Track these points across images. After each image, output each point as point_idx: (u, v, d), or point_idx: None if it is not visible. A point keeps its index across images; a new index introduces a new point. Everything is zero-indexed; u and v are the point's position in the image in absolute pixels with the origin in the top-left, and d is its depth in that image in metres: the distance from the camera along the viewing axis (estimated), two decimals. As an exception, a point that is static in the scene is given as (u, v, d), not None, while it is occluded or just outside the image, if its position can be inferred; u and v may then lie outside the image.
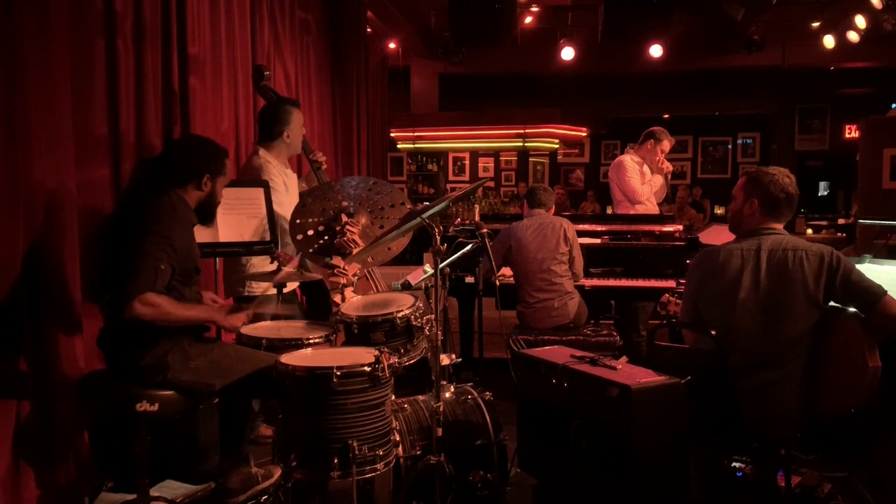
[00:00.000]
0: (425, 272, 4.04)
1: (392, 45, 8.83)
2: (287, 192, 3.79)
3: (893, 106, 8.11)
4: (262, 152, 3.79)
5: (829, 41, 8.52)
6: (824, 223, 10.89)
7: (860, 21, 7.94)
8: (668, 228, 5.09)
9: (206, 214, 2.93)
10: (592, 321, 4.73)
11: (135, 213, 2.68)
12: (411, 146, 10.78)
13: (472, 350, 4.80)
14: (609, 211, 7.07)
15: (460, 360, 3.45)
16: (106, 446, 3.02)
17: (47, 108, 2.76)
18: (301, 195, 3.76)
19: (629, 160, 5.45)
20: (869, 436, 2.93)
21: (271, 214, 3.55)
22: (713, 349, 2.62)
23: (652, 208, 5.52)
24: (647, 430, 2.41)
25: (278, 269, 3.16)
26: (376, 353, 2.54)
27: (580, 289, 4.62)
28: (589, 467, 2.55)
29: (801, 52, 9.47)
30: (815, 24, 8.62)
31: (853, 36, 8.18)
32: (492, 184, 13.32)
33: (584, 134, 11.51)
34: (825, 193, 14.09)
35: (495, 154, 13.95)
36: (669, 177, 5.62)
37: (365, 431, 2.45)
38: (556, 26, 8.98)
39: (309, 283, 3.66)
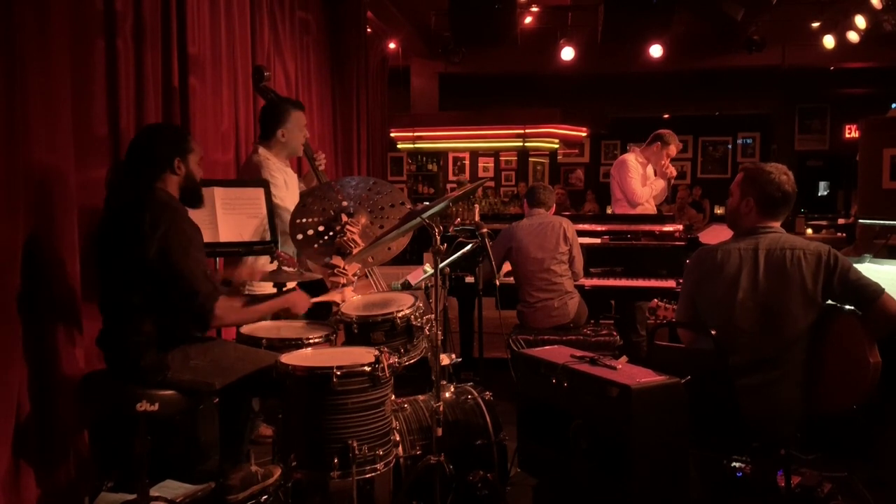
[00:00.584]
0: (425, 272, 4.04)
1: (392, 45, 8.83)
2: (287, 188, 3.79)
3: (893, 106, 8.09)
4: (261, 150, 3.79)
5: (829, 41, 8.52)
6: (824, 223, 10.88)
7: (860, 21, 7.94)
8: (668, 228, 5.09)
9: (191, 197, 2.87)
10: (592, 321, 4.73)
11: (139, 223, 2.59)
12: (411, 146, 10.78)
13: (472, 350, 4.80)
14: (609, 210, 7.07)
15: (460, 360, 3.45)
16: (106, 446, 3.02)
17: (47, 107, 2.76)
18: (301, 195, 3.76)
19: (633, 160, 5.44)
20: (869, 435, 2.93)
21: (271, 214, 3.55)
22: (712, 349, 2.62)
23: (650, 208, 5.52)
24: (647, 430, 2.41)
25: (279, 269, 3.16)
26: (376, 353, 2.54)
27: (580, 289, 4.62)
28: (589, 467, 2.55)
29: (801, 52, 9.46)
30: (815, 24, 8.62)
31: (853, 36, 8.18)
32: (492, 184, 13.31)
33: (584, 134, 11.50)
34: (825, 193, 14.07)
35: (495, 154, 13.94)
36: (672, 181, 5.62)
37: (365, 431, 2.45)
38: (556, 26, 8.98)
39: (309, 282, 3.66)
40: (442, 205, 2.74)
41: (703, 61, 10.18)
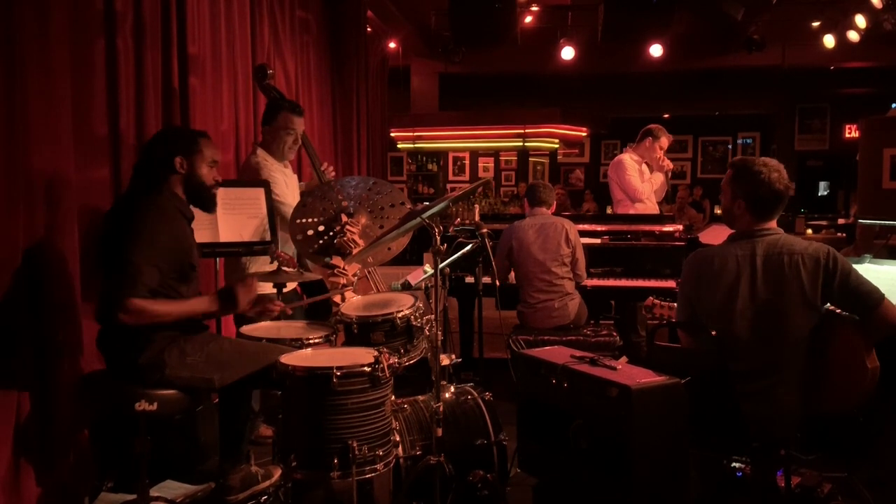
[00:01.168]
0: (425, 272, 4.04)
1: (392, 45, 8.83)
2: (287, 188, 3.79)
3: (893, 106, 8.08)
4: (260, 151, 3.79)
5: (829, 41, 8.52)
6: (824, 223, 10.87)
7: (860, 21, 7.94)
8: (668, 228, 5.09)
9: (199, 198, 2.85)
10: (592, 321, 4.73)
11: (120, 219, 2.66)
12: (411, 146, 10.76)
13: (472, 350, 4.80)
14: (609, 210, 7.07)
15: (460, 360, 3.45)
16: (106, 446, 3.02)
17: (47, 107, 2.76)
18: (301, 195, 3.76)
19: (628, 158, 5.45)
20: (869, 436, 2.93)
21: (271, 214, 3.55)
22: (712, 349, 2.61)
23: (652, 207, 5.52)
24: (646, 430, 2.41)
25: (279, 269, 3.16)
26: (376, 353, 2.54)
27: (580, 289, 4.62)
28: (589, 467, 2.55)
29: (801, 51, 9.46)
30: (815, 24, 8.62)
31: (853, 36, 8.18)
32: (492, 184, 13.31)
33: (584, 134, 11.49)
34: (825, 193, 14.07)
35: (495, 154, 13.94)
36: (670, 175, 5.62)
37: (365, 431, 2.45)
38: (556, 26, 8.98)
39: (309, 282, 3.66)
40: (442, 205, 2.74)
41: (703, 61, 10.18)
